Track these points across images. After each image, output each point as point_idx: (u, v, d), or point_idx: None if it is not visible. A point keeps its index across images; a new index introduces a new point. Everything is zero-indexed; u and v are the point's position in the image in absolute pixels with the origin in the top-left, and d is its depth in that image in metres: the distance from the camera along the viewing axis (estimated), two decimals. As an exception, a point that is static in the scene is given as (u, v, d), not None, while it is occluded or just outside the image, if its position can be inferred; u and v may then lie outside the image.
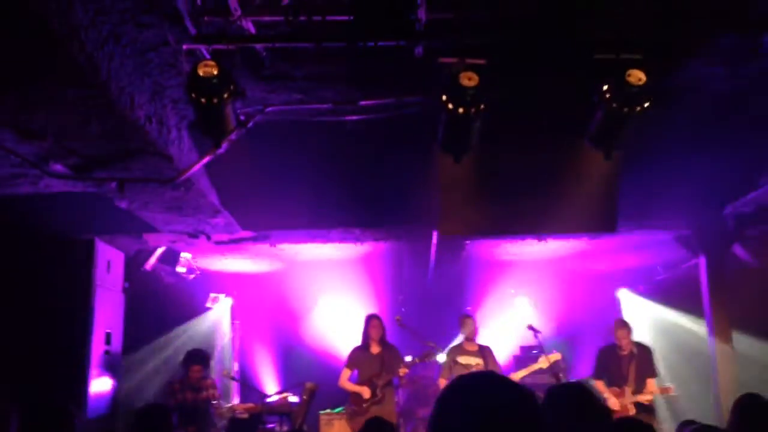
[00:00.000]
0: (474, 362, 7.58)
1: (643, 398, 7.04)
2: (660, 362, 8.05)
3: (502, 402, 1.47)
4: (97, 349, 6.91)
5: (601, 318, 10.81)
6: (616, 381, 7.24)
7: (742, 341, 7.74)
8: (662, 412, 8.12)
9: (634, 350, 7.33)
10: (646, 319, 10.32)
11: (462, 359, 7.58)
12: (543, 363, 7.52)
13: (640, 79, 4.33)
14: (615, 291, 10.97)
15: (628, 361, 7.25)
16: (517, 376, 7.59)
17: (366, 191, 6.81)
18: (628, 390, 7.08)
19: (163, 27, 4.28)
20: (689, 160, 6.32)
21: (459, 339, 7.92)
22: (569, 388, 3.32)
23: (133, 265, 7.96)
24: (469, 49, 4.52)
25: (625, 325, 7.44)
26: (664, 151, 6.15)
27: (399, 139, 6.03)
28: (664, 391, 7.27)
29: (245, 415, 7.32)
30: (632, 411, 6.94)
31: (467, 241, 8.31)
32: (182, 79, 4.63)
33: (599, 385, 7.29)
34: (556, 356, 7.71)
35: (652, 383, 7.20)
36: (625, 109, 4.45)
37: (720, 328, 7.54)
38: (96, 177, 5.58)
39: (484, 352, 7.72)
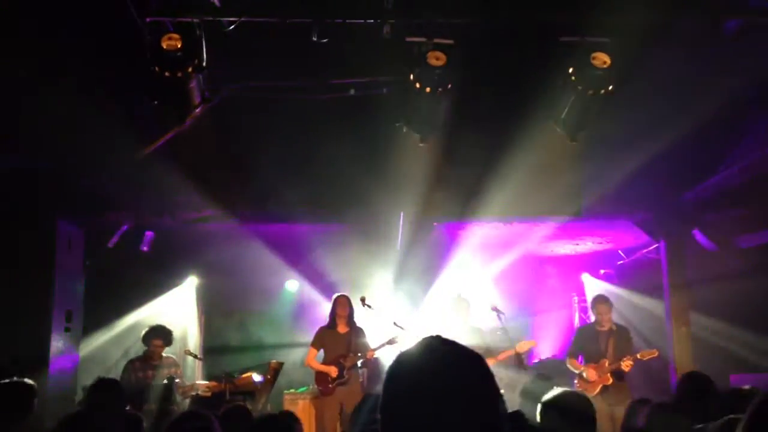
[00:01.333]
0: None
1: (623, 365, 6.96)
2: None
3: (447, 363, 1.44)
4: (58, 326, 6.82)
5: (564, 301, 11.02)
6: (594, 356, 7.26)
7: (700, 323, 7.93)
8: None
9: (614, 327, 7.38)
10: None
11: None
12: (520, 347, 7.56)
13: (604, 62, 4.39)
14: (579, 275, 11.14)
15: (606, 337, 7.28)
16: (498, 357, 7.58)
17: (333, 172, 6.78)
18: (605, 362, 7.11)
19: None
20: (650, 146, 6.41)
21: (451, 320, 7.90)
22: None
23: (95, 243, 7.83)
24: (437, 28, 4.53)
25: (605, 301, 7.45)
26: (625, 137, 6.24)
27: (366, 119, 6.02)
28: (649, 355, 7.24)
29: (208, 394, 7.29)
30: (609, 381, 7.03)
31: (434, 224, 8.36)
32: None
33: (574, 363, 7.36)
34: (530, 343, 7.84)
35: (628, 359, 7.07)
36: (590, 92, 4.50)
37: (678, 310, 7.73)
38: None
39: (472, 332, 7.73)
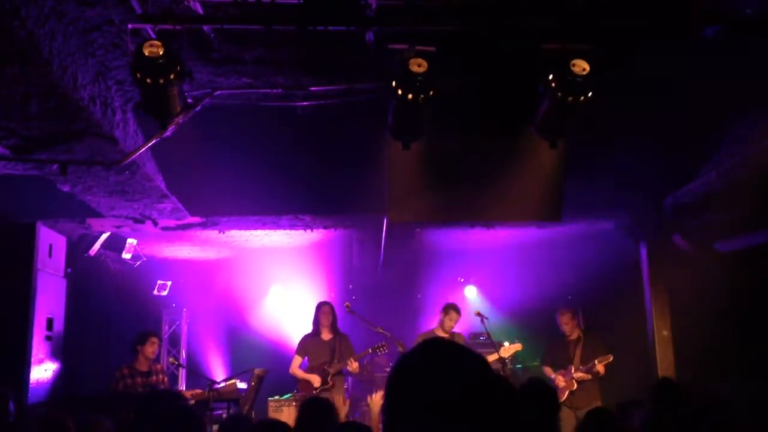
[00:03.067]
0: None
1: (584, 376, 7.44)
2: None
3: (455, 366, 1.45)
4: (39, 334, 6.76)
5: (548, 305, 11.05)
6: (563, 363, 7.69)
7: (680, 326, 8.01)
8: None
9: (581, 335, 7.80)
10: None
11: None
12: (504, 352, 7.72)
13: (584, 69, 4.43)
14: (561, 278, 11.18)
15: (574, 345, 7.72)
16: None
17: (315, 178, 6.78)
18: (572, 368, 7.53)
19: (107, 5, 4.18)
20: (631, 151, 6.49)
21: (441, 323, 7.95)
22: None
23: (77, 250, 7.78)
24: (419, 35, 4.55)
25: (566, 313, 7.90)
26: (607, 142, 6.30)
27: (349, 126, 6.03)
28: (605, 360, 7.50)
29: (192, 402, 7.24)
30: (574, 386, 7.46)
31: (417, 229, 8.39)
32: (128, 59, 4.54)
33: (547, 371, 7.82)
34: (516, 347, 8.03)
35: (602, 361, 7.46)
36: (570, 99, 4.54)
37: (659, 314, 7.82)
38: (37, 159, 5.45)
39: (454, 338, 7.86)
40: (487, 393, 1.43)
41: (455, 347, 1.51)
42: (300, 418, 4.11)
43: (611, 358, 7.48)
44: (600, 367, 7.41)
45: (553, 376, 7.62)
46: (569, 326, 7.79)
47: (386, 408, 1.47)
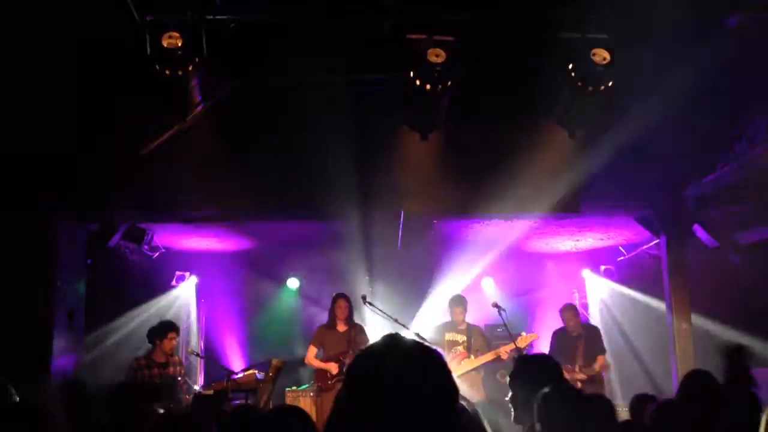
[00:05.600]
0: (461, 339, 7.91)
1: (589, 373, 7.54)
2: (622, 339, 8.37)
3: (406, 364, 1.50)
4: (60, 325, 6.82)
5: (565, 298, 11.00)
6: (567, 360, 7.63)
7: (700, 319, 7.95)
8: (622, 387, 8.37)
9: (583, 332, 7.91)
10: (608, 298, 10.53)
11: (449, 336, 7.92)
12: (520, 342, 7.71)
13: (604, 59, 4.40)
14: (579, 271, 11.12)
15: (576, 342, 7.80)
16: (498, 351, 7.78)
17: (332, 169, 6.78)
18: (576, 367, 7.56)
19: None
20: (651, 142, 6.42)
21: (449, 317, 8.10)
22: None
23: (97, 241, 7.83)
24: (437, 25, 4.53)
25: (570, 309, 8.04)
26: (626, 132, 6.23)
27: (366, 117, 6.02)
28: (604, 368, 7.75)
29: (210, 392, 7.29)
30: (579, 384, 7.38)
31: (435, 221, 8.36)
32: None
33: None
34: (532, 336, 8.07)
35: (600, 360, 7.72)
36: (590, 88, 4.51)
37: (679, 307, 7.73)
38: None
39: (471, 330, 7.99)
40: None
41: (413, 347, 1.56)
42: None
43: (603, 360, 7.69)
44: (597, 367, 7.59)
45: None
46: (572, 322, 7.90)
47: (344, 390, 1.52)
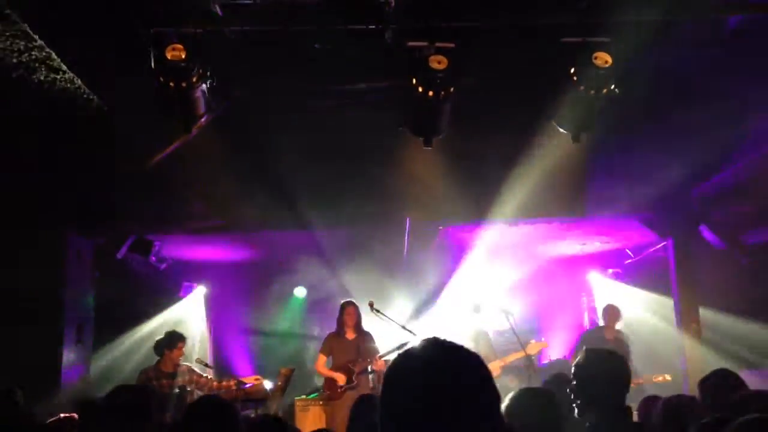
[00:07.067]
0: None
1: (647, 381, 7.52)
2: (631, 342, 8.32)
3: (446, 365, 1.45)
4: (69, 338, 6.85)
5: (573, 301, 10.98)
6: None
7: (708, 319, 7.91)
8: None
9: (620, 336, 7.77)
10: (616, 300, 10.49)
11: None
12: (530, 349, 7.66)
13: (606, 62, 4.40)
14: (587, 274, 11.10)
15: (612, 345, 7.44)
16: (507, 359, 7.74)
17: (338, 178, 6.80)
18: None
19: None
20: (655, 144, 6.42)
21: (458, 324, 8.20)
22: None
23: (104, 254, 7.86)
24: (439, 32, 4.55)
25: (617, 312, 7.87)
26: (630, 135, 6.24)
27: (369, 125, 6.04)
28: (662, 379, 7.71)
29: (223, 392, 7.31)
30: None
31: (440, 227, 8.37)
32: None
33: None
34: (542, 344, 8.04)
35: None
36: (592, 92, 4.51)
37: (687, 307, 7.71)
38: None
39: (478, 336, 7.96)
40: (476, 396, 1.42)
41: (455, 353, 1.50)
42: None
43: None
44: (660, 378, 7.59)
45: None
46: (614, 325, 7.77)
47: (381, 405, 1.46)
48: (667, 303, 8.54)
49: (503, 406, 2.97)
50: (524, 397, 3.31)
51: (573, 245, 9.87)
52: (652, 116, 6.07)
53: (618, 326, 7.78)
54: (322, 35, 4.57)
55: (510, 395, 3.25)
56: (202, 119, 4.87)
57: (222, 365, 10.01)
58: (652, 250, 9.28)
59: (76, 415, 3.90)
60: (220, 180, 6.69)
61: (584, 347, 3.23)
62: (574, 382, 3.09)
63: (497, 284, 10.78)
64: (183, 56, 4.15)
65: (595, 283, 11.01)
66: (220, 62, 4.92)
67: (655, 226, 8.13)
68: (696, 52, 5.04)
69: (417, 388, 1.42)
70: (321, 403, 8.06)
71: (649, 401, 4.49)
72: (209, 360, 9.83)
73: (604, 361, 3.13)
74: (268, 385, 7.60)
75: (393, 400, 1.45)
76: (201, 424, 3.18)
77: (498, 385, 1.50)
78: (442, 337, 1.54)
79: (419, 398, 1.40)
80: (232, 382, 7.28)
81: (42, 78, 4.42)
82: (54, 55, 3.87)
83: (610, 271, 10.85)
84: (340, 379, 7.47)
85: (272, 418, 3.97)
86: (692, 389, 6.93)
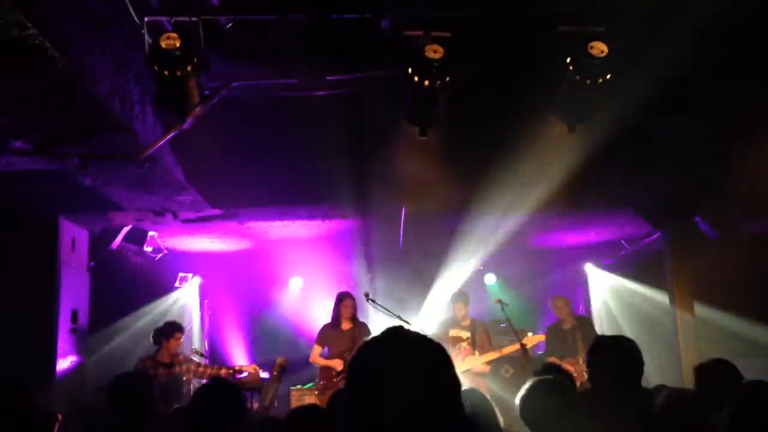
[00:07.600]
0: (464, 335, 7.92)
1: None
2: (626, 332, 8.36)
3: (406, 354, 1.53)
4: (64, 327, 6.85)
5: (568, 292, 11.01)
6: (567, 353, 7.63)
7: (703, 310, 7.95)
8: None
9: (576, 323, 7.86)
10: (611, 291, 10.54)
11: (453, 332, 7.94)
12: (528, 342, 7.70)
13: (602, 51, 4.38)
14: (581, 265, 11.14)
15: (572, 334, 7.73)
16: (504, 351, 7.78)
17: (333, 167, 6.78)
18: (579, 359, 7.37)
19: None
20: (649, 134, 6.41)
21: (452, 312, 8.18)
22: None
23: (99, 243, 7.86)
24: (435, 22, 4.52)
25: (560, 299, 8.01)
26: (623, 125, 6.22)
27: (365, 115, 6.02)
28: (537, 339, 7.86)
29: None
30: (586, 376, 7.18)
31: (435, 218, 8.37)
32: (146, 52, 4.55)
33: (554, 360, 7.49)
34: (539, 338, 8.07)
35: None
36: (588, 81, 4.50)
37: (681, 298, 7.74)
38: (58, 153, 5.49)
39: (475, 326, 8.00)
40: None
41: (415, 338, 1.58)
42: None
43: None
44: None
45: (559, 363, 7.19)
46: (564, 312, 7.87)
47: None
48: (660, 294, 8.60)
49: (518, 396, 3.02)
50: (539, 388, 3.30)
51: (568, 236, 9.90)
52: (647, 103, 6.04)
53: (567, 308, 7.92)
54: (317, 24, 4.53)
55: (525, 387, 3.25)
56: (197, 108, 4.84)
57: (217, 355, 10.03)
58: (647, 241, 9.31)
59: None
60: (215, 170, 6.67)
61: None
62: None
63: (492, 274, 10.83)
64: (177, 45, 4.12)
65: (590, 273, 11.05)
66: (214, 51, 4.89)
67: (649, 217, 8.15)
68: (693, 41, 5.02)
69: (380, 370, 1.51)
70: (317, 392, 8.08)
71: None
72: (204, 350, 9.85)
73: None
74: (263, 375, 7.64)
75: (360, 383, 1.54)
76: (208, 409, 3.23)
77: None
78: (399, 326, 1.63)
79: (382, 380, 1.49)
80: (223, 371, 7.32)
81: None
82: (47, 43, 3.84)
83: (605, 262, 10.90)
84: (338, 365, 7.49)
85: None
86: (686, 375, 7.00)
